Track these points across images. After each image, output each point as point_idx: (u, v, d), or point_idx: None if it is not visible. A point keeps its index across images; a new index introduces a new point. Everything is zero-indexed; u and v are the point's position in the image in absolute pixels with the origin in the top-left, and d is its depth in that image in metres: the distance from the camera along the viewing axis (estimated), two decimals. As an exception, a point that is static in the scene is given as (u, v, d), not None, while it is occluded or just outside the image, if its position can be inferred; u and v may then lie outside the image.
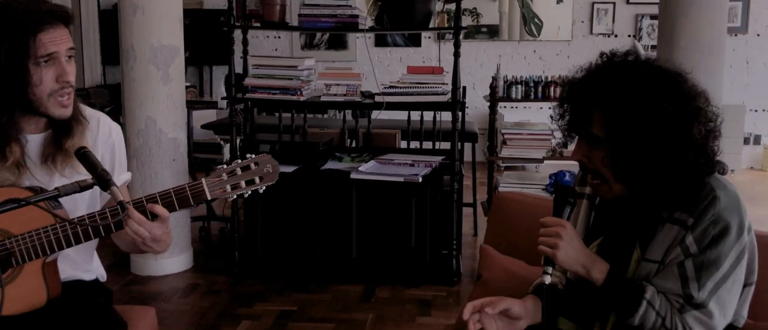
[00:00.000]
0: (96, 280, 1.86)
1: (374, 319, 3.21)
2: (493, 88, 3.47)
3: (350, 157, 3.80)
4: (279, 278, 3.67)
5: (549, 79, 3.44)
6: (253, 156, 1.72)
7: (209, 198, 1.65)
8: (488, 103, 3.61)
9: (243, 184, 1.65)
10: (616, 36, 7.12)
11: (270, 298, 3.46)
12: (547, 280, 1.42)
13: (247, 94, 3.62)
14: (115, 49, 7.00)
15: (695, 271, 1.36)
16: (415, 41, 7.22)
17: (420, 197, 3.55)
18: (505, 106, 6.37)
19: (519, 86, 3.45)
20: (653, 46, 6.92)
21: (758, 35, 6.95)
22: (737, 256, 1.37)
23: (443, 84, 3.52)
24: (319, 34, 7.37)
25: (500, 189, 3.50)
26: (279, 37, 7.41)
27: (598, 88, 1.40)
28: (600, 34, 7.11)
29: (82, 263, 1.82)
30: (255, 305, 3.37)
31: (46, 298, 1.58)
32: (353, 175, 3.46)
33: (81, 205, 1.71)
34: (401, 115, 4.06)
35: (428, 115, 4.01)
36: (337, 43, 7.40)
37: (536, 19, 3.31)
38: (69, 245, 1.56)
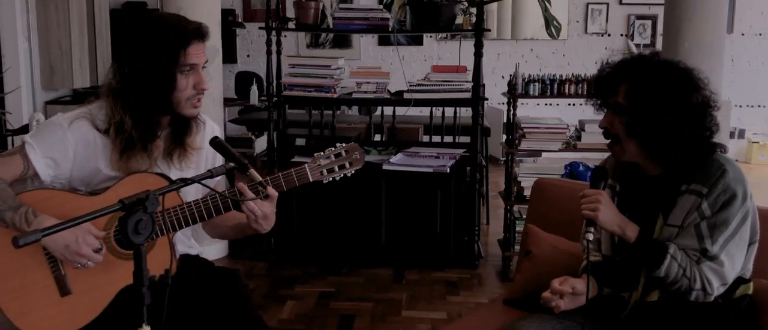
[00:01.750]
0: (198, 255, 2.12)
1: (408, 299, 3.50)
2: (512, 85, 3.76)
3: (377, 150, 4.08)
4: (313, 263, 3.94)
5: (564, 78, 3.74)
6: (343, 145, 2.00)
7: (311, 180, 1.92)
8: (506, 100, 3.90)
9: (336, 168, 1.94)
10: (609, 35, 7.47)
11: (308, 281, 3.73)
12: (591, 237, 1.74)
13: (284, 92, 3.88)
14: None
15: (709, 230, 1.69)
16: (417, 41, 7.50)
17: (445, 187, 3.83)
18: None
19: (536, 84, 3.75)
20: (646, 45, 7.29)
21: (743, 35, 7.35)
22: (742, 218, 1.70)
23: (467, 81, 3.81)
24: (323, 34, 7.62)
25: (519, 179, 3.80)
26: (285, 36, 7.63)
27: (624, 69, 1.78)
28: (594, 33, 7.46)
29: (186, 241, 2.08)
30: (296, 287, 3.64)
31: (176, 266, 1.84)
32: (385, 167, 3.74)
33: (190, 191, 1.97)
34: (418, 111, 4.33)
35: (448, 111, 4.30)
36: (342, 42, 7.65)
37: (555, 22, 3.60)
38: (194, 222, 1.83)
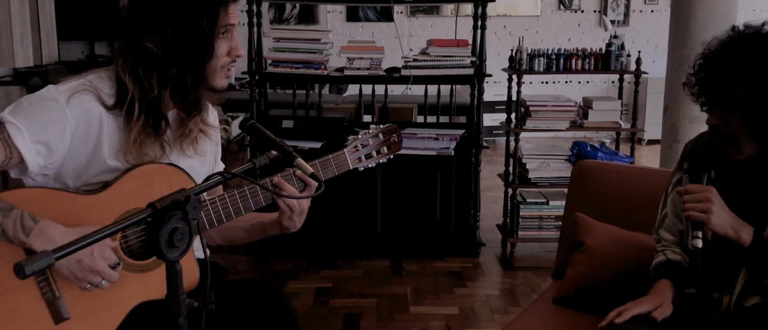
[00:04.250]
0: (204, 259, 1.78)
1: (413, 293, 3.22)
2: (517, 60, 3.50)
3: (369, 132, 3.76)
4: (303, 255, 3.62)
5: (571, 52, 3.50)
6: (381, 126, 1.72)
7: (351, 167, 1.65)
8: (508, 76, 3.65)
9: (374, 153, 1.67)
10: (582, 11, 7.30)
11: (300, 276, 3.41)
12: (699, 244, 1.49)
13: (267, 69, 3.51)
14: (69, 24, 6.62)
15: None
16: (387, 16, 7.17)
17: (446, 171, 3.56)
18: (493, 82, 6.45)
19: (541, 59, 3.50)
20: (620, 22, 7.17)
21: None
22: None
23: (467, 56, 3.53)
24: (288, 9, 7.21)
25: (524, 160, 3.56)
26: (244, 11, 7.18)
27: (738, 55, 1.47)
28: (568, 9, 7.29)
29: (196, 242, 1.74)
30: (288, 283, 3.32)
31: (198, 276, 1.52)
32: (384, 150, 3.43)
33: (197, 180, 1.64)
34: (405, 89, 4.04)
35: (442, 89, 4.02)
36: (308, 17, 7.26)
37: (566, -8, 3.35)
38: (220, 222, 1.50)
